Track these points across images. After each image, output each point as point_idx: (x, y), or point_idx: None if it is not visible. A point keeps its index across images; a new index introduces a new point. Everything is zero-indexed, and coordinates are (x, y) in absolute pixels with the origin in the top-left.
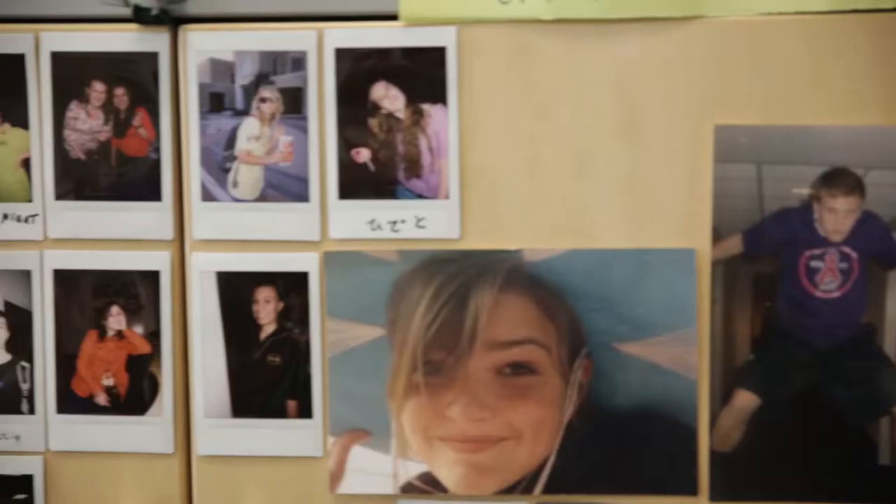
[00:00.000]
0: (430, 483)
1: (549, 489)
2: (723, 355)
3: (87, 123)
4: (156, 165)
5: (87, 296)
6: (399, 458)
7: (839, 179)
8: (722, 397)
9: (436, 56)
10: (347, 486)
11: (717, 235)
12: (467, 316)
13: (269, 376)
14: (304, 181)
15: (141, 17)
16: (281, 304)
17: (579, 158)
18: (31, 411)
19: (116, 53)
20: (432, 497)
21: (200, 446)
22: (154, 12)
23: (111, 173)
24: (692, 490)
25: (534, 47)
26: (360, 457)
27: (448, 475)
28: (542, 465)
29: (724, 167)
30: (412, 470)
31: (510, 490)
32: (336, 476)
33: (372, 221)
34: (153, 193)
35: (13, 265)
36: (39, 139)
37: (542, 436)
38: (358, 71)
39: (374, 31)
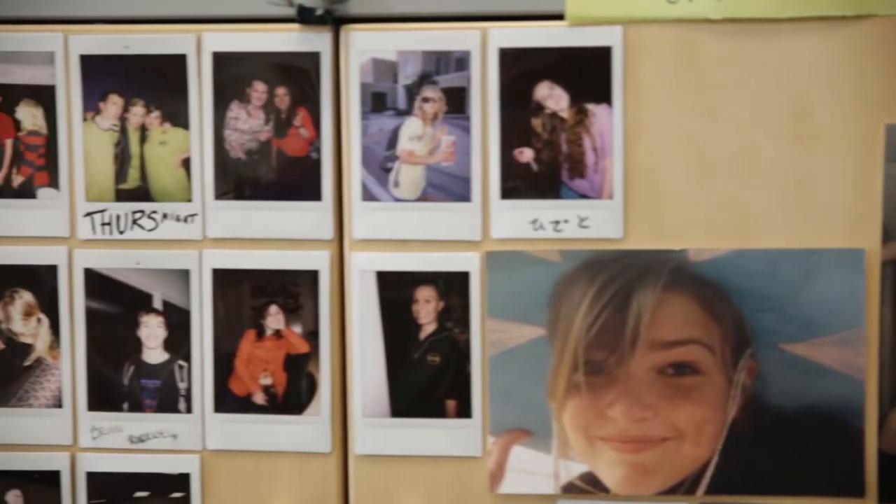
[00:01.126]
0: (591, 483)
1: (712, 490)
2: (891, 356)
3: (248, 123)
4: (316, 165)
5: (245, 295)
6: (560, 458)
7: None
8: (891, 398)
9: (601, 56)
10: (508, 485)
11: (887, 236)
12: (629, 316)
13: (428, 376)
14: (466, 181)
15: (305, 16)
16: (441, 304)
17: (746, 158)
18: (189, 410)
19: (278, 53)
20: (594, 497)
21: (358, 446)
22: (318, 12)
23: (271, 173)
24: (859, 492)
25: (701, 47)
26: (521, 457)
27: (610, 475)
28: (705, 465)
29: (894, 167)
30: (573, 470)
31: (672, 491)
32: (496, 476)
33: (534, 221)
34: (313, 193)
35: (172, 265)
36: (200, 139)
37: (705, 436)
38: (522, 71)
39: (539, 31)
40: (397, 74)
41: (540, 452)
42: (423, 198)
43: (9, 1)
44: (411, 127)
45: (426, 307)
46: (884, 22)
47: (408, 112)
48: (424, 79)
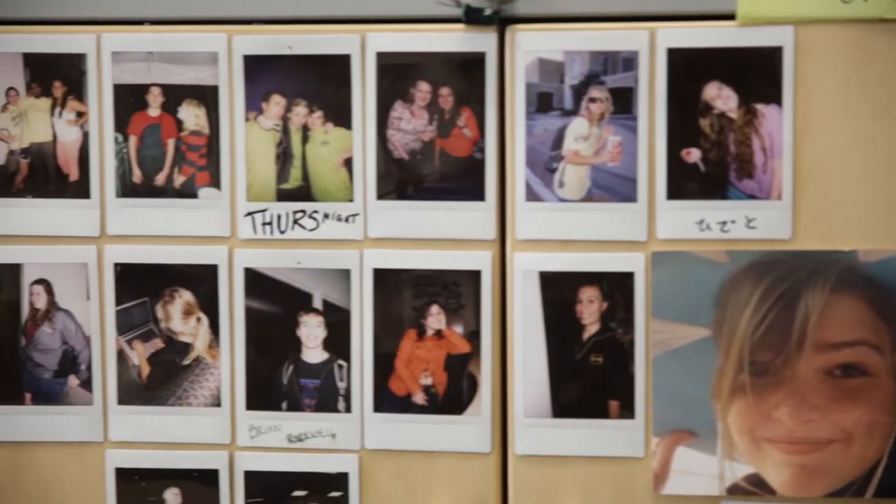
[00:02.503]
0: (757, 485)
1: (881, 493)
2: None
3: (411, 123)
4: (480, 165)
5: (407, 295)
6: (725, 460)
7: None
8: None
9: (771, 56)
10: (672, 486)
11: None
12: (797, 317)
13: (591, 376)
14: (632, 181)
15: (472, 17)
16: (605, 304)
17: None
18: (348, 409)
19: (442, 53)
20: (759, 499)
21: (518, 446)
22: (486, 12)
23: (434, 173)
24: None
25: (874, 46)
26: (685, 457)
27: (776, 477)
28: (874, 468)
29: None
30: (739, 471)
31: (840, 493)
32: (660, 477)
33: (701, 222)
34: (476, 193)
35: (332, 264)
36: (362, 139)
37: (874, 439)
38: (690, 71)
39: (708, 31)
40: (564, 74)
41: (705, 453)
42: (588, 198)
43: (172, 2)
44: (577, 127)
45: (590, 307)
46: None
47: (574, 112)
48: (591, 79)
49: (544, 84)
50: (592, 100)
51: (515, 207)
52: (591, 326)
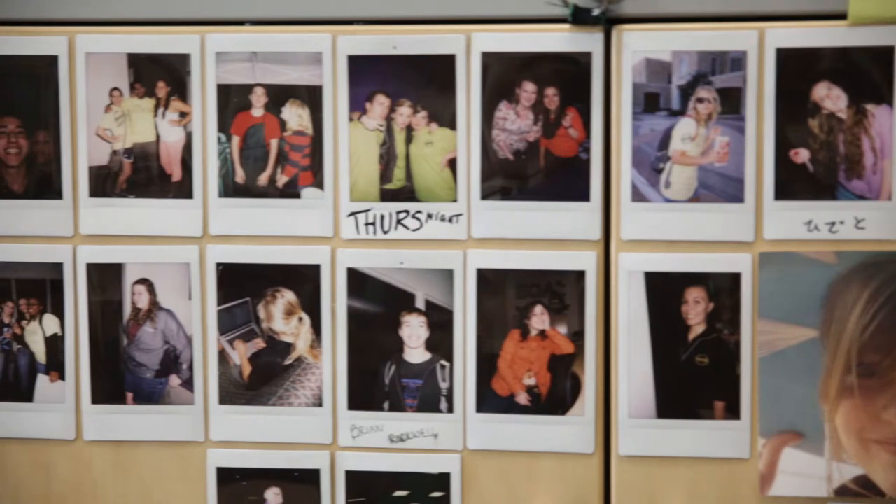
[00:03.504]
0: (865, 486)
1: None
2: None
3: (516, 123)
4: (585, 165)
5: (510, 295)
6: (833, 461)
7: None
8: None
9: (883, 55)
10: (779, 488)
11: None
12: None
13: (696, 377)
14: (739, 182)
15: (580, 17)
16: (711, 305)
17: None
18: (450, 410)
19: (548, 54)
20: (868, 501)
21: (622, 446)
22: (595, 12)
23: (539, 173)
24: None
25: None
26: (793, 459)
27: (885, 479)
28: None
29: None
30: (847, 473)
31: None
32: (766, 478)
33: (809, 222)
34: (581, 194)
35: (436, 264)
36: (467, 139)
37: None
38: (799, 71)
39: (818, 31)
40: (671, 74)
41: (812, 455)
42: (695, 198)
43: (276, 2)
44: (685, 127)
45: (695, 308)
46: None
47: (681, 112)
48: (699, 79)
49: (651, 84)
50: (700, 100)
51: (621, 208)
52: (697, 327)
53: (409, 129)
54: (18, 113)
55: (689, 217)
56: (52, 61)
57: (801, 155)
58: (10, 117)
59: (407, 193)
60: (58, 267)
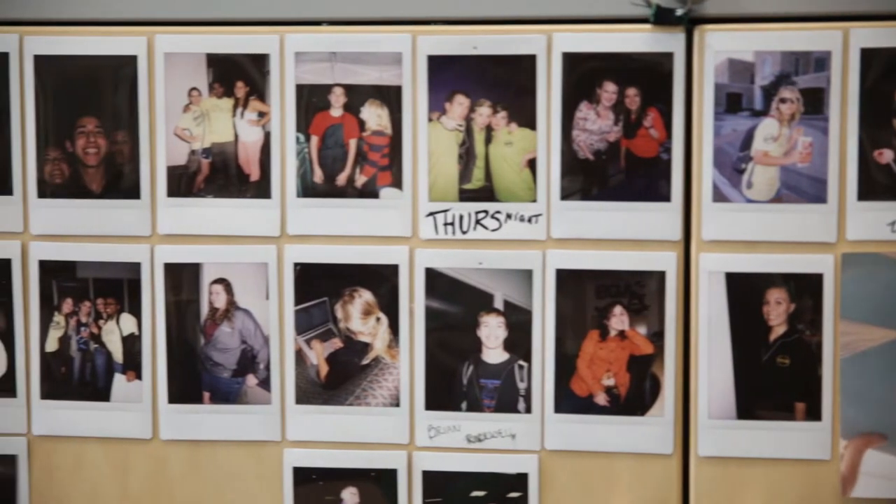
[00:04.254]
0: None
1: None
2: None
3: (597, 124)
4: (666, 166)
5: (589, 296)
6: None
7: None
8: None
9: None
10: (861, 490)
11: None
12: None
13: (777, 378)
14: (821, 182)
15: (662, 17)
16: (792, 306)
17: None
18: (528, 410)
19: (629, 54)
20: None
21: (701, 447)
22: (678, 13)
23: (619, 174)
24: None
25: None
26: (875, 461)
27: None
28: None
29: None
30: None
31: None
32: (848, 480)
33: (892, 223)
34: (662, 194)
35: (515, 265)
36: (547, 140)
37: None
38: (884, 71)
39: None
40: (754, 75)
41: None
42: (777, 199)
43: (355, 2)
44: (767, 127)
45: (777, 309)
46: None
47: (764, 113)
48: (782, 79)
49: (734, 84)
50: (783, 100)
51: (702, 208)
52: (779, 328)
53: (489, 130)
54: (97, 113)
55: (771, 217)
56: (131, 61)
57: (885, 155)
58: (89, 117)
59: (486, 194)
60: (135, 266)
